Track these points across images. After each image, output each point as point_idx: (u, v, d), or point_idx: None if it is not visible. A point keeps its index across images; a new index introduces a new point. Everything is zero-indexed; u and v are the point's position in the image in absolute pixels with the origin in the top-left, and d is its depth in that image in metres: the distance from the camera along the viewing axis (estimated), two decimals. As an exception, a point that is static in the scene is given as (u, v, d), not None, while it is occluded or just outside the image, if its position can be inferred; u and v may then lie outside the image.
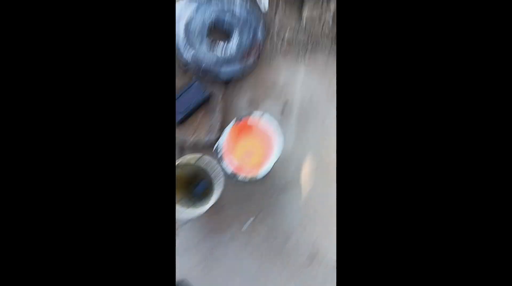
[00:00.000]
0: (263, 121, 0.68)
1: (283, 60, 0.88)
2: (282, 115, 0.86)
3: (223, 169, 0.67)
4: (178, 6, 0.81)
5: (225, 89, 0.85)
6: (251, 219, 0.84)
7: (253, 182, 0.72)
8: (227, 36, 0.85)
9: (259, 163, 0.71)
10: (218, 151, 0.67)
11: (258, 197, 0.84)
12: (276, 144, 0.68)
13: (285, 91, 0.88)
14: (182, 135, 0.80)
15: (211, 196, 0.70)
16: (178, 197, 0.72)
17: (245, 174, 0.66)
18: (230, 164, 0.67)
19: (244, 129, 0.70)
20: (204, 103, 0.81)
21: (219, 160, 0.68)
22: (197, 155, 0.69)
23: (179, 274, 0.81)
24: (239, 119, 0.67)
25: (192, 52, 0.81)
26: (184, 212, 0.68)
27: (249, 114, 0.69)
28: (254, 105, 0.86)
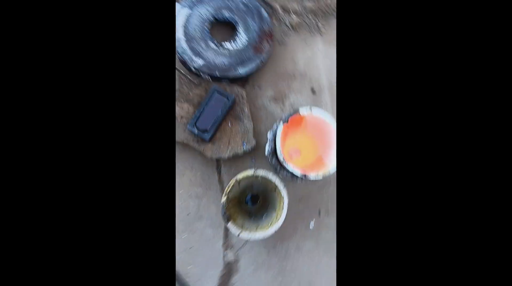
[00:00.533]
0: (313, 114, 0.59)
1: (297, 36, 0.79)
2: (315, 95, 0.77)
3: (291, 173, 0.59)
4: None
5: (247, 88, 0.77)
6: (313, 220, 0.77)
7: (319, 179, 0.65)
8: (232, 31, 0.75)
9: (315, 159, 0.63)
10: (278, 156, 0.59)
11: (314, 192, 0.77)
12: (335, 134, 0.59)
13: (309, 68, 0.78)
14: (217, 151, 0.72)
15: (274, 208, 0.63)
16: (239, 218, 0.65)
17: (315, 172, 0.58)
18: (295, 166, 0.59)
19: (292, 127, 0.62)
20: (229, 110, 0.72)
21: (282, 165, 0.60)
22: (250, 170, 0.61)
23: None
24: (285, 121, 0.59)
25: (201, 60, 0.72)
26: (246, 233, 0.61)
27: (295, 111, 0.60)
28: (281, 94, 0.78)
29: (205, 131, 0.70)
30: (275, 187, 0.62)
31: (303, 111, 0.59)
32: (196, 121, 0.70)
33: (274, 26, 0.78)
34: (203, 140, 0.72)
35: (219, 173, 0.76)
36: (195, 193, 0.75)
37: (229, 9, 0.74)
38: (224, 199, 0.60)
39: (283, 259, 0.76)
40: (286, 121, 0.58)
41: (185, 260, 0.73)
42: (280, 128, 0.58)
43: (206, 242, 0.74)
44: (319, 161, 0.62)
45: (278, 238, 0.75)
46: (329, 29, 0.79)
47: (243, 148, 0.72)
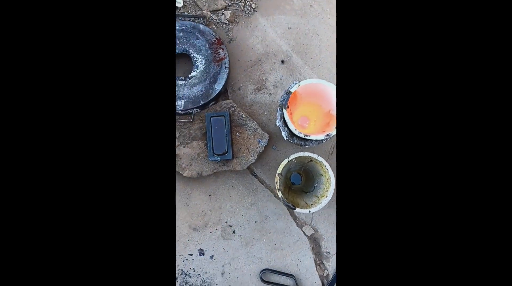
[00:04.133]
0: (302, 85, 0.63)
1: (240, 26, 0.81)
2: (287, 63, 0.81)
3: (315, 141, 0.64)
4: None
5: (231, 96, 0.81)
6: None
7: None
8: (187, 60, 0.78)
9: (326, 116, 0.69)
10: (297, 135, 0.63)
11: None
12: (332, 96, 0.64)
13: (267, 45, 0.82)
14: (243, 161, 0.78)
15: (319, 181, 0.69)
16: (299, 199, 0.72)
17: (333, 127, 0.63)
18: (313, 133, 0.64)
19: (292, 105, 0.66)
20: (231, 124, 0.77)
21: (305, 139, 0.65)
22: (284, 160, 0.67)
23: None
24: (286, 106, 0.63)
25: (181, 101, 0.75)
26: (314, 207, 0.68)
27: (288, 93, 0.63)
28: (260, 82, 0.82)
29: (224, 153, 0.75)
30: (310, 158, 0.68)
31: (294, 88, 0.63)
32: (213, 149, 0.75)
33: (217, 31, 0.80)
34: (228, 160, 0.77)
35: (256, 176, 0.82)
36: (249, 203, 0.82)
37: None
38: (279, 193, 0.67)
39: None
40: (286, 106, 0.63)
41: (278, 257, 0.81)
42: (286, 113, 0.63)
43: (283, 233, 0.81)
44: (330, 116, 0.68)
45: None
46: (259, 1, 0.82)
47: (261, 145, 0.78)
